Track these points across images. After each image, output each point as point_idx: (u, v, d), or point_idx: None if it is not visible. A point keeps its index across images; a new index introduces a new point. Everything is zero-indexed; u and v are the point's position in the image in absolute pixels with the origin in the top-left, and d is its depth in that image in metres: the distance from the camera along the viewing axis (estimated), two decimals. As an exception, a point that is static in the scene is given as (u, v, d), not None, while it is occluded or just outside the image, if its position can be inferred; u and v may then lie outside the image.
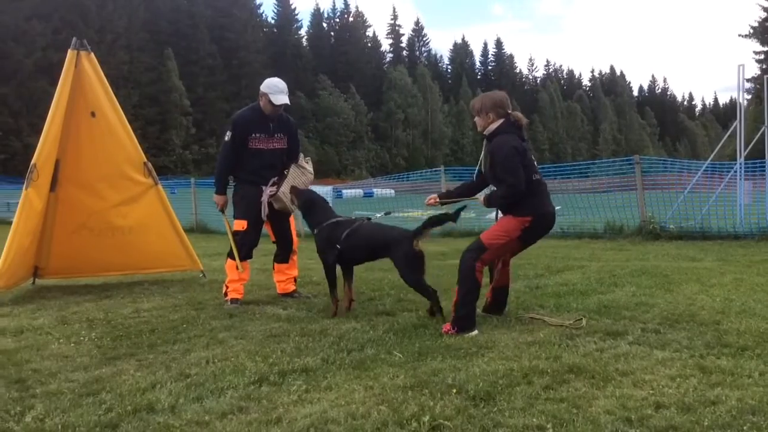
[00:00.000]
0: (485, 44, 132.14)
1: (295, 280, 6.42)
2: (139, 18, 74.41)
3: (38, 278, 7.36)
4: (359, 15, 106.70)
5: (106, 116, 6.89)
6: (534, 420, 2.90)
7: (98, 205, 7.01)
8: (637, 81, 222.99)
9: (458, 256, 4.80)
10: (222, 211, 6.34)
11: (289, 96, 6.01)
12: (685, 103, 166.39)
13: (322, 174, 74.28)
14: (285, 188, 5.98)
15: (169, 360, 4.10)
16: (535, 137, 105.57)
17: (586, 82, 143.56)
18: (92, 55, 6.83)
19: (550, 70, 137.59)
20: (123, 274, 7.65)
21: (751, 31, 62.95)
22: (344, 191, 25.15)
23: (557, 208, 5.09)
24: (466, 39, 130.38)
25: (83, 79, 6.73)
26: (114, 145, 6.96)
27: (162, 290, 6.89)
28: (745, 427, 2.79)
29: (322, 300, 6.02)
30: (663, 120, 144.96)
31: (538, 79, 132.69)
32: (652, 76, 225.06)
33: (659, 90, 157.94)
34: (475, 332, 4.57)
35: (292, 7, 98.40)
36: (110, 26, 68.77)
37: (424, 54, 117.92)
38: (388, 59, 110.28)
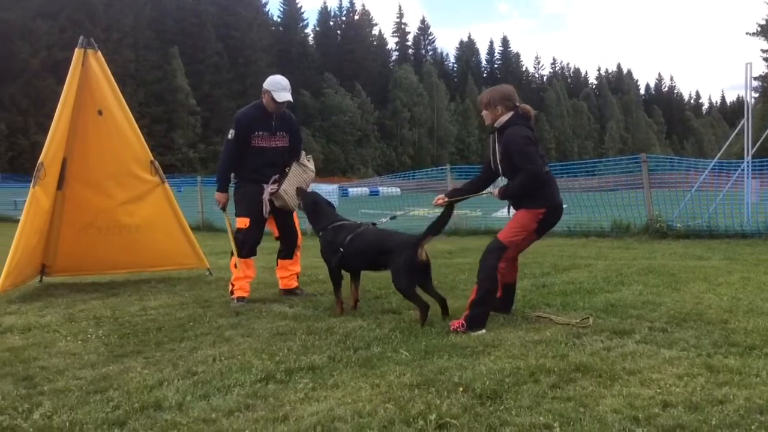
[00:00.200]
0: (491, 42, 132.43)
1: (298, 277, 6.42)
2: (145, 16, 74.59)
3: (45, 276, 7.39)
4: (365, 13, 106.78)
5: (113, 115, 6.90)
6: (541, 419, 2.89)
7: (105, 204, 7.03)
8: (644, 79, 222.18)
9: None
10: (223, 209, 6.35)
11: (294, 94, 6.01)
12: (692, 101, 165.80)
13: (327, 172, 74.41)
14: (286, 186, 5.98)
15: (176, 358, 4.11)
16: (542, 135, 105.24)
17: (592, 80, 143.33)
18: (99, 53, 6.84)
19: (557, 68, 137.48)
20: (130, 272, 7.68)
21: (759, 29, 62.58)
22: (350, 190, 25.15)
23: (564, 206, 5.08)
24: (472, 37, 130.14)
25: (90, 77, 6.75)
26: (121, 143, 6.98)
27: (169, 288, 6.91)
28: (753, 427, 2.78)
29: (328, 298, 6.02)
30: (670, 118, 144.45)
31: (545, 78, 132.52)
32: (659, 74, 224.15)
33: (666, 88, 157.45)
34: (483, 331, 4.56)
35: (298, 5, 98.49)
36: (117, 25, 68.97)
37: (430, 52, 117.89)
38: (394, 57, 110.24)
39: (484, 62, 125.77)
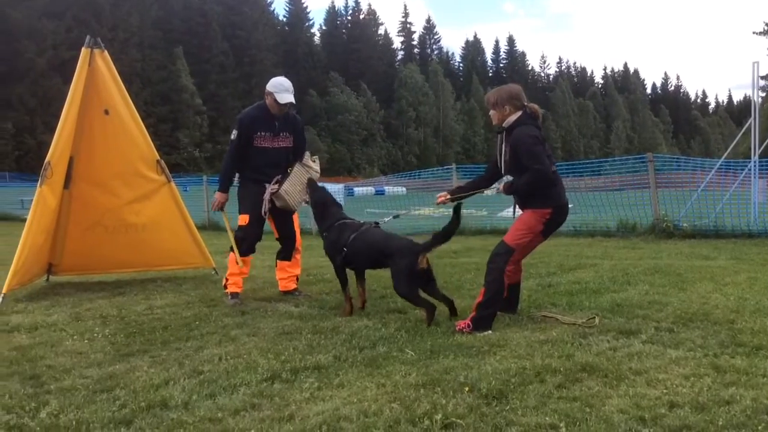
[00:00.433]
0: (497, 42, 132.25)
1: (297, 279, 6.44)
2: (151, 16, 74.76)
3: (52, 275, 7.41)
4: (371, 13, 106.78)
5: (119, 114, 6.91)
6: (547, 419, 2.89)
7: (112, 203, 7.05)
8: (651, 78, 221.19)
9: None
10: (221, 209, 6.36)
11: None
12: (699, 100, 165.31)
13: (333, 172, 74.44)
14: (287, 186, 6.00)
15: (182, 357, 4.12)
16: (548, 135, 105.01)
17: (598, 79, 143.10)
18: (106, 52, 6.85)
19: (563, 67, 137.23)
20: (136, 271, 7.69)
21: (766, 28, 62.25)
22: (356, 189, 25.16)
23: (570, 206, 5.07)
24: (477, 36, 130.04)
25: (97, 76, 6.76)
26: (127, 142, 6.99)
27: (175, 287, 6.92)
28: (759, 427, 2.77)
29: (334, 297, 6.03)
30: (676, 118, 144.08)
31: (551, 77, 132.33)
32: (665, 73, 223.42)
33: (672, 87, 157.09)
34: (489, 331, 4.56)
35: (304, 5, 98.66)
36: (123, 24, 69.15)
37: (435, 52, 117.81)
38: (399, 57, 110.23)
39: (489, 62, 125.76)
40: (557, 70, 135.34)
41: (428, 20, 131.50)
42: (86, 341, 4.58)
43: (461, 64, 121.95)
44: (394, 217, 6.02)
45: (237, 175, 6.24)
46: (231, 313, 5.46)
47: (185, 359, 4.05)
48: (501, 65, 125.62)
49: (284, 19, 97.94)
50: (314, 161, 6.32)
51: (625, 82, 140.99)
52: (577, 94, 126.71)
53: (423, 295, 5.06)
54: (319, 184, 6.20)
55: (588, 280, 6.70)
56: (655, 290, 6.01)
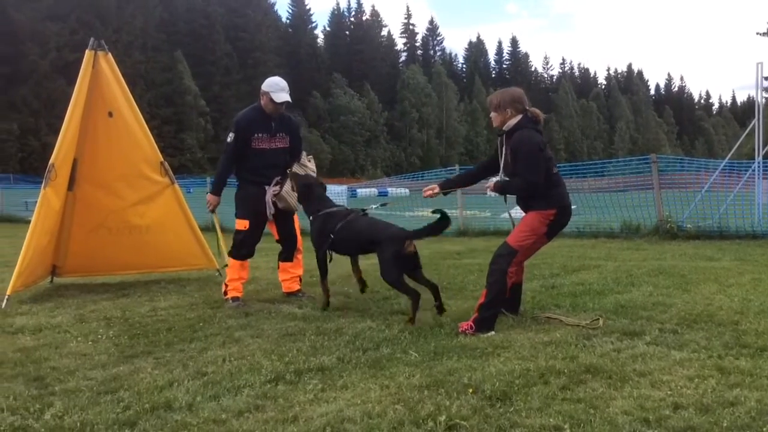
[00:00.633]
0: (499, 42, 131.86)
1: (300, 280, 6.44)
2: (154, 18, 74.92)
3: (56, 277, 7.42)
4: (375, 14, 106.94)
5: (123, 116, 6.93)
6: (551, 420, 2.89)
7: (116, 205, 7.06)
8: (654, 79, 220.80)
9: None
10: (213, 210, 6.37)
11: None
12: (702, 101, 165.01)
13: (337, 173, 74.47)
14: (288, 187, 6.01)
15: (186, 358, 4.12)
16: (551, 136, 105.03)
17: (601, 80, 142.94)
18: (109, 55, 6.86)
19: (566, 68, 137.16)
20: (140, 273, 7.70)
21: (770, 28, 62.23)
22: (359, 190, 25.18)
23: (573, 207, 5.06)
24: (481, 37, 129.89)
25: (101, 79, 6.78)
26: (131, 144, 7.00)
27: (178, 289, 6.93)
28: (764, 429, 2.77)
29: (337, 299, 6.02)
30: (680, 118, 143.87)
31: (554, 78, 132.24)
32: (668, 74, 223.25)
33: (676, 88, 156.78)
34: (492, 332, 4.56)
35: (307, 7, 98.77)
36: (127, 27, 69.31)
37: (438, 53, 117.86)
38: (402, 58, 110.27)
39: (492, 63, 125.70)
40: (560, 71, 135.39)
41: (431, 21, 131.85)
42: (90, 343, 4.59)
43: (464, 66, 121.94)
44: (382, 205, 6.04)
45: (235, 176, 6.25)
46: (234, 315, 5.47)
47: (189, 361, 4.06)
48: (504, 66, 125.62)
49: (287, 21, 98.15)
50: (310, 160, 6.36)
51: (628, 82, 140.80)
52: (580, 95, 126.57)
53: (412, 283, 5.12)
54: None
55: (592, 281, 6.69)
56: (659, 291, 6.00)
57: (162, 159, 7.27)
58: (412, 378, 3.55)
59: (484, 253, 8.84)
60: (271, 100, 5.92)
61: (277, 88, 5.94)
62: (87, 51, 6.71)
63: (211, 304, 5.99)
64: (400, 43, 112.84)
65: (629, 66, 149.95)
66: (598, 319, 4.77)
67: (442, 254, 9.51)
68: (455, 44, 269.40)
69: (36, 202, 6.50)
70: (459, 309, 5.33)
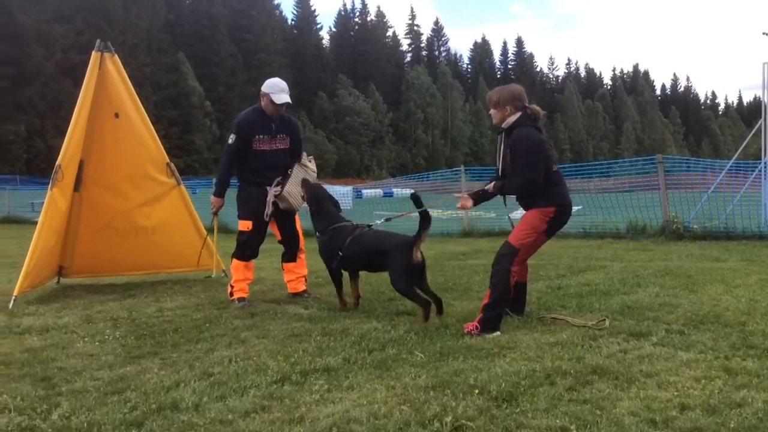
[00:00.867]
0: (504, 43, 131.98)
1: (306, 279, 6.45)
2: (159, 19, 75.10)
3: (63, 277, 7.44)
4: (380, 15, 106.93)
5: (129, 117, 6.95)
6: (557, 421, 2.88)
7: (122, 206, 7.08)
8: (660, 79, 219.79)
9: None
10: (216, 213, 6.41)
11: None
12: (708, 101, 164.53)
13: (343, 174, 74.47)
14: (289, 188, 6.02)
15: (192, 359, 4.13)
16: (557, 136, 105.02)
17: (607, 80, 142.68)
18: (116, 56, 6.88)
19: (571, 68, 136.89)
20: (146, 274, 7.71)
21: (776, 28, 62.01)
22: (364, 191, 25.17)
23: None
24: (486, 38, 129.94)
25: (107, 80, 6.80)
26: (137, 145, 7.02)
27: (185, 290, 6.95)
28: (772, 430, 2.76)
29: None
30: (686, 119, 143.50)
31: (559, 78, 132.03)
32: (674, 74, 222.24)
33: (682, 89, 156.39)
34: (497, 333, 4.56)
35: (312, 8, 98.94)
36: (133, 28, 69.48)
37: (444, 54, 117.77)
38: (407, 59, 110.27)
39: (498, 63, 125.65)
40: (566, 71, 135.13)
41: (436, 22, 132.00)
42: (97, 343, 4.60)
43: (469, 66, 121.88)
44: (386, 220, 6.05)
45: (236, 178, 6.27)
46: (241, 316, 5.48)
47: (195, 361, 4.06)
48: (509, 67, 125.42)
49: (292, 23, 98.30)
50: (310, 161, 6.37)
51: (634, 83, 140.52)
52: (585, 95, 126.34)
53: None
54: (329, 186, 6.24)
55: (598, 282, 6.68)
56: (666, 292, 5.99)
57: (168, 160, 7.29)
58: (418, 379, 3.55)
59: (489, 253, 8.81)
60: (272, 101, 5.94)
61: (277, 90, 5.96)
62: (93, 52, 6.72)
63: (217, 305, 6.00)
64: (405, 43, 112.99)
65: (635, 66, 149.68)
66: (605, 319, 4.76)
67: (447, 255, 9.51)
68: (460, 45, 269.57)
69: (42, 203, 6.52)
70: (464, 310, 5.33)
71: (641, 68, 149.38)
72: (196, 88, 75.36)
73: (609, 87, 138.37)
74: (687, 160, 15.33)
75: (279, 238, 6.39)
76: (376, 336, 4.56)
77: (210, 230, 7.27)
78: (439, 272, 7.61)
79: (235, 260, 6.16)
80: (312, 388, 3.45)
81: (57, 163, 6.39)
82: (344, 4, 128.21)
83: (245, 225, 6.10)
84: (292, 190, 6.04)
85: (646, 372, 3.56)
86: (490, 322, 4.60)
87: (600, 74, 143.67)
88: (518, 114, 4.80)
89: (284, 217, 6.24)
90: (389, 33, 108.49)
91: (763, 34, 14.85)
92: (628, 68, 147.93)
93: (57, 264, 7.21)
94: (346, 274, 5.72)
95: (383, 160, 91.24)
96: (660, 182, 11.83)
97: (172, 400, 3.27)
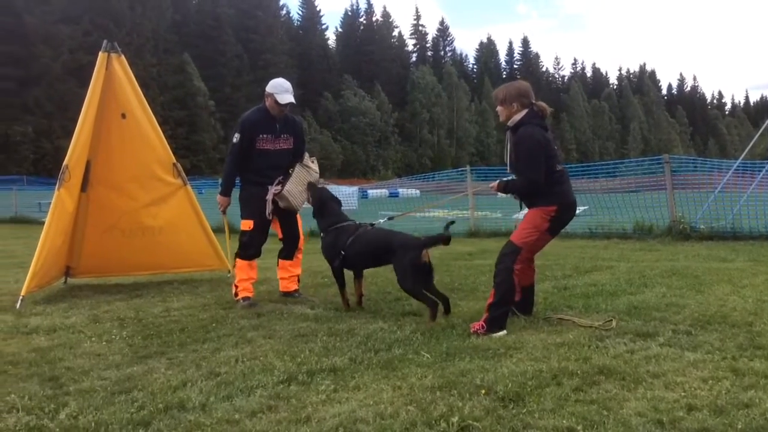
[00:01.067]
0: (510, 43, 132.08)
1: (299, 280, 6.47)
2: (166, 20, 75.28)
3: (70, 277, 7.46)
4: (386, 15, 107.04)
5: (136, 118, 6.97)
6: (564, 422, 2.88)
7: (129, 206, 7.10)
8: (666, 79, 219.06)
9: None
10: (223, 212, 6.44)
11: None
12: (715, 101, 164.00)
13: (348, 174, 74.51)
14: (290, 187, 6.04)
15: (199, 359, 4.14)
16: (563, 136, 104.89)
17: (613, 80, 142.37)
18: (123, 57, 6.91)
19: (577, 68, 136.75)
20: (153, 274, 7.73)
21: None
22: (369, 191, 25.20)
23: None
24: (491, 38, 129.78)
25: (114, 81, 6.82)
26: (144, 146, 7.04)
27: (191, 289, 6.96)
28: (780, 431, 2.75)
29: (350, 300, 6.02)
30: (693, 119, 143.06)
31: (565, 78, 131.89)
32: (680, 74, 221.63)
33: (688, 88, 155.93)
34: (504, 333, 4.55)
35: (318, 8, 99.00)
36: (139, 29, 69.67)
37: (449, 54, 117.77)
38: (413, 59, 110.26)
39: (503, 63, 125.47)
40: (572, 71, 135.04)
41: (442, 22, 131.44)
42: (104, 343, 4.62)
43: (475, 66, 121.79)
44: (389, 219, 6.07)
45: (238, 178, 6.29)
46: (247, 316, 5.49)
47: (202, 361, 4.07)
48: (515, 67, 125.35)
49: (298, 23, 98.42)
50: (313, 161, 6.38)
51: (640, 83, 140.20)
52: (591, 95, 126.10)
53: None
54: (335, 186, 6.25)
55: (604, 282, 6.66)
56: (673, 292, 5.98)
57: (174, 160, 7.31)
58: (424, 379, 3.55)
59: (495, 254, 8.76)
60: (276, 101, 5.96)
61: (281, 90, 5.98)
62: (100, 53, 6.75)
63: (224, 305, 6.02)
64: (410, 43, 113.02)
65: (641, 66, 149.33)
66: (611, 320, 4.75)
67: (453, 255, 9.50)
68: (466, 45, 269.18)
69: (50, 203, 6.54)
70: (470, 310, 5.32)
71: (648, 68, 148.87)
72: (201, 88, 75.51)
73: (615, 87, 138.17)
74: (694, 160, 15.28)
75: (280, 236, 6.41)
76: (383, 336, 4.56)
77: (216, 230, 7.28)
78: (446, 272, 7.61)
79: (238, 260, 6.19)
80: (318, 388, 3.46)
81: (64, 163, 6.41)
82: (351, 5, 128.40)
83: (247, 224, 6.13)
84: (293, 189, 6.05)
85: (653, 372, 3.55)
86: (496, 320, 4.60)
87: (606, 74, 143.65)
88: (525, 111, 4.80)
89: (285, 215, 6.26)
90: (395, 33, 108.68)
91: None
92: (634, 68, 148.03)
93: (64, 264, 7.23)
94: (350, 275, 5.73)
95: (389, 160, 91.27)
96: (667, 182, 11.80)
97: (179, 400, 3.28)
